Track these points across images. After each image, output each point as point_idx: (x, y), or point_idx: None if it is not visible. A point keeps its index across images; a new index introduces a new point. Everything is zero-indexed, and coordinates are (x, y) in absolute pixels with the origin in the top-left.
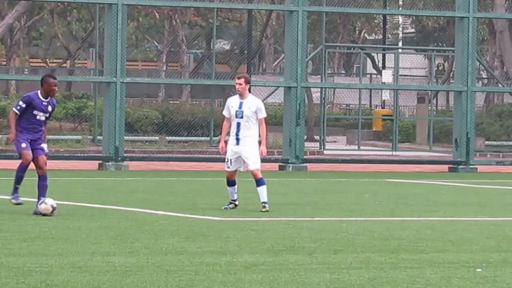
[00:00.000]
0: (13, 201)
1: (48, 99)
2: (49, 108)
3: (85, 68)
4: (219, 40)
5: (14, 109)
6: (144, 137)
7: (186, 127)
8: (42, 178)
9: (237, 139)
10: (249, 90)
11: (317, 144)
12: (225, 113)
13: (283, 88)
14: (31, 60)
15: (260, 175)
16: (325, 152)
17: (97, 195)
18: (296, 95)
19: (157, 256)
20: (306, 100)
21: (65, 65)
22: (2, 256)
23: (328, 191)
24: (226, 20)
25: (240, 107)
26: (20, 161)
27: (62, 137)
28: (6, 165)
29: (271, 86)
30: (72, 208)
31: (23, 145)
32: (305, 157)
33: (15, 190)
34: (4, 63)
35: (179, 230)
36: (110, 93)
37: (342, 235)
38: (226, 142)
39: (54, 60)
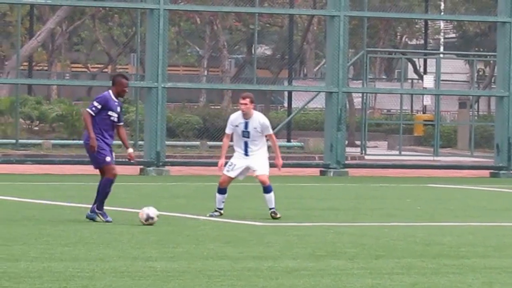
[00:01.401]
0: (103, 218)
1: (118, 99)
2: (118, 109)
3: (126, 73)
4: (260, 45)
5: (88, 110)
6: (185, 142)
7: None
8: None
9: (246, 154)
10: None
11: (358, 149)
12: (227, 130)
13: (324, 93)
14: (72, 65)
15: (268, 182)
16: (366, 157)
17: (138, 200)
18: (337, 100)
19: (199, 261)
20: (347, 105)
21: (106, 70)
22: (44, 261)
23: (369, 196)
24: (268, 25)
25: (246, 127)
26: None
27: None
28: (47, 170)
29: (312, 91)
30: (113, 213)
31: (108, 159)
32: (346, 162)
33: (102, 205)
34: (46, 68)
35: (220, 235)
36: (152, 98)
37: (383, 240)
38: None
39: (95, 65)
